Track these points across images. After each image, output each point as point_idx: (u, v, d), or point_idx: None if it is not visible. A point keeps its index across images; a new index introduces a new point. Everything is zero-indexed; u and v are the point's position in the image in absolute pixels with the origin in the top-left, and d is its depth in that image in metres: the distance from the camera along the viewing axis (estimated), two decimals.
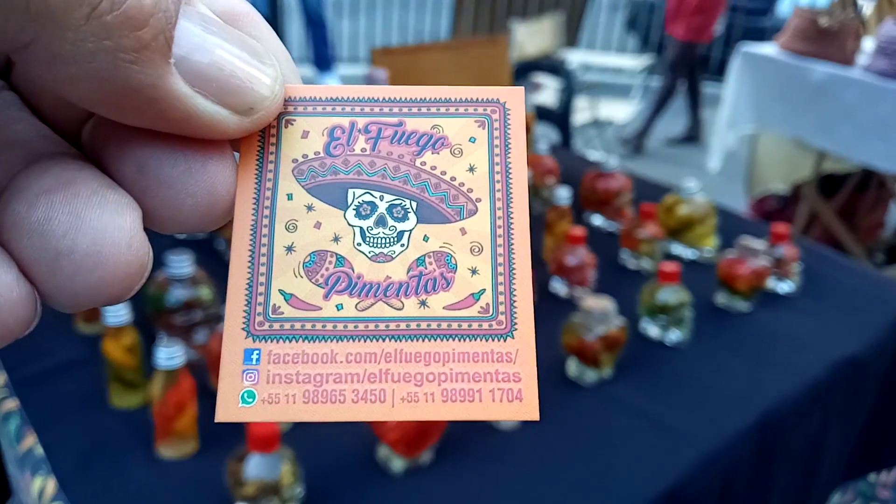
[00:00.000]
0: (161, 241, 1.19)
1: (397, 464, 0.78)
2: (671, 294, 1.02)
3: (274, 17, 3.68)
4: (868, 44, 2.29)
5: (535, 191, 1.34)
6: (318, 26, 4.61)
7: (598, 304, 0.93)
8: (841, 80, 2.20)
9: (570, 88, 1.92)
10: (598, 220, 1.36)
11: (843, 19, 2.20)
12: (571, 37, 3.66)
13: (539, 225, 1.24)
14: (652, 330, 1.04)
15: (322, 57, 4.76)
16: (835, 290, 1.21)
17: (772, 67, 2.51)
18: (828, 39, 2.21)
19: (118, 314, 0.80)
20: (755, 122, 2.67)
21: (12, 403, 0.86)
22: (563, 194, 1.20)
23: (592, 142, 3.26)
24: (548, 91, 2.47)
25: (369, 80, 1.09)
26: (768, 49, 2.56)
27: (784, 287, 1.19)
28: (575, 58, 3.35)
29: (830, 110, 2.25)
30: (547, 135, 2.47)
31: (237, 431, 0.79)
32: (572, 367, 0.96)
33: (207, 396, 0.83)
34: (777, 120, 2.56)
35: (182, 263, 0.88)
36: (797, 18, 2.37)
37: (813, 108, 2.39)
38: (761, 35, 5.28)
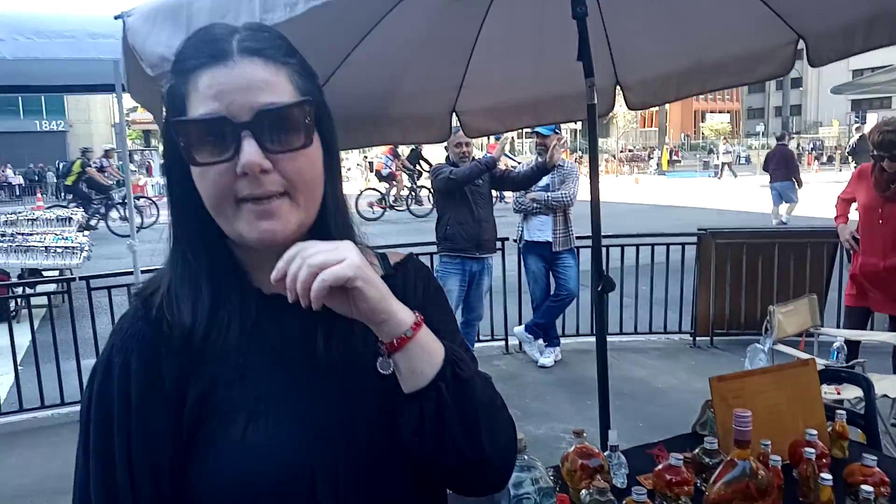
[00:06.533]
0: None
1: None
2: None
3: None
4: None
5: (875, 502, 1.55)
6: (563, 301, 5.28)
7: None
8: None
9: (870, 391, 2.11)
10: None
11: None
12: (817, 316, 3.83)
13: None
14: None
15: (540, 327, 5.38)
16: None
17: None
18: None
19: None
20: None
21: None
22: None
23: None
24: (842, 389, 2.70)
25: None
26: None
27: None
28: (832, 333, 3.53)
29: None
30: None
31: None
32: None
33: None
34: None
35: None
36: None
37: None
38: None
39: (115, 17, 1.68)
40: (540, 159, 4.79)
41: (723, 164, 28.55)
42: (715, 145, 31.70)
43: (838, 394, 2.98)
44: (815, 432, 1.70)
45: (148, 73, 1.64)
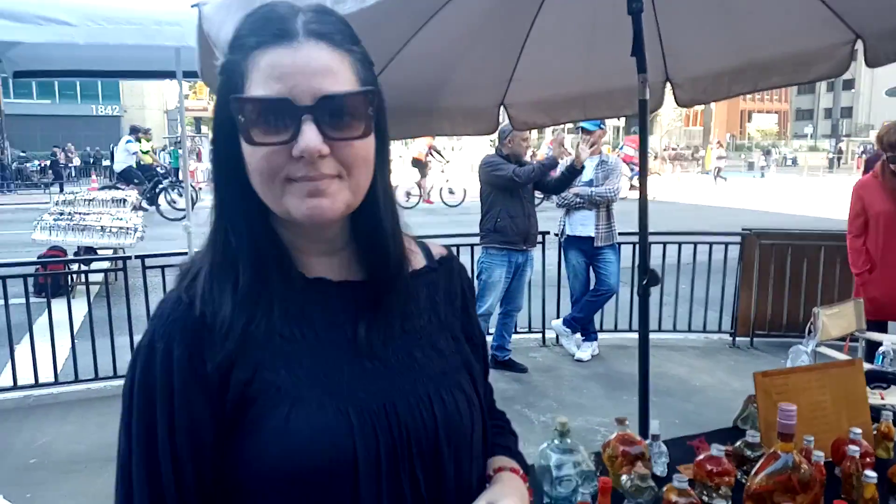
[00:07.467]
0: None
1: None
2: None
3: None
4: None
5: None
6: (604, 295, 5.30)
7: None
8: None
9: None
10: None
11: None
12: (862, 320, 3.77)
13: None
14: None
15: (578, 321, 5.41)
16: None
17: None
18: None
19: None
20: None
21: None
22: None
23: None
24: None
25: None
26: None
27: None
28: (877, 338, 3.48)
29: None
30: None
31: None
32: None
33: None
34: None
35: None
36: None
37: None
38: None
39: (193, 6, 1.77)
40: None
41: (715, 168, 27.31)
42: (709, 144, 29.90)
43: (882, 398, 2.95)
44: (859, 431, 1.71)
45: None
